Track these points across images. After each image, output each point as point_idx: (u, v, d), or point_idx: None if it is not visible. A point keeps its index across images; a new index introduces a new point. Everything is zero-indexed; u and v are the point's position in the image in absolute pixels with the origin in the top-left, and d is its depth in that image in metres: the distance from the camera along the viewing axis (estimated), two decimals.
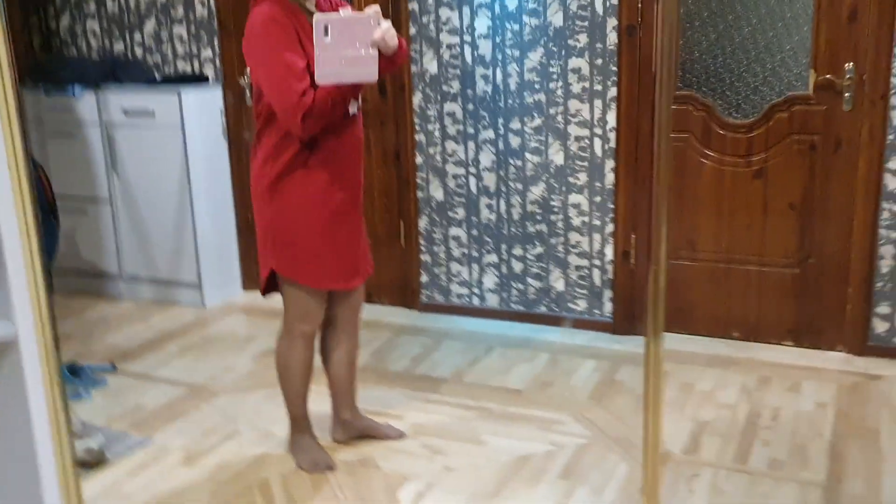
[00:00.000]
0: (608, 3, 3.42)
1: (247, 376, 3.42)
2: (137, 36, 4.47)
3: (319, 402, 2.83)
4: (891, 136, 3.15)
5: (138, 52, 4.49)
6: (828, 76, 3.19)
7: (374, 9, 2.26)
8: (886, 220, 3.23)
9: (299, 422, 2.72)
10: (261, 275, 2.59)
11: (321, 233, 2.48)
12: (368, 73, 2.26)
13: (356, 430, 2.84)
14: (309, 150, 2.41)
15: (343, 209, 2.50)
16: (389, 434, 2.85)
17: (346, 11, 2.24)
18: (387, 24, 2.27)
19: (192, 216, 4.19)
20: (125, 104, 4.19)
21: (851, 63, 3.14)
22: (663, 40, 1.42)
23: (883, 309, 3.30)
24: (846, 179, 3.24)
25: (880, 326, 3.32)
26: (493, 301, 3.95)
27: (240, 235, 4.42)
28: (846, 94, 3.17)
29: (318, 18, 2.19)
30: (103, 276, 4.49)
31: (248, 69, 2.37)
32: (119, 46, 4.53)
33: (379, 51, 2.27)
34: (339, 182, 2.47)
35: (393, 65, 2.40)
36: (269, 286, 2.62)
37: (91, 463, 2.73)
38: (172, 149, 4.14)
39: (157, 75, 4.46)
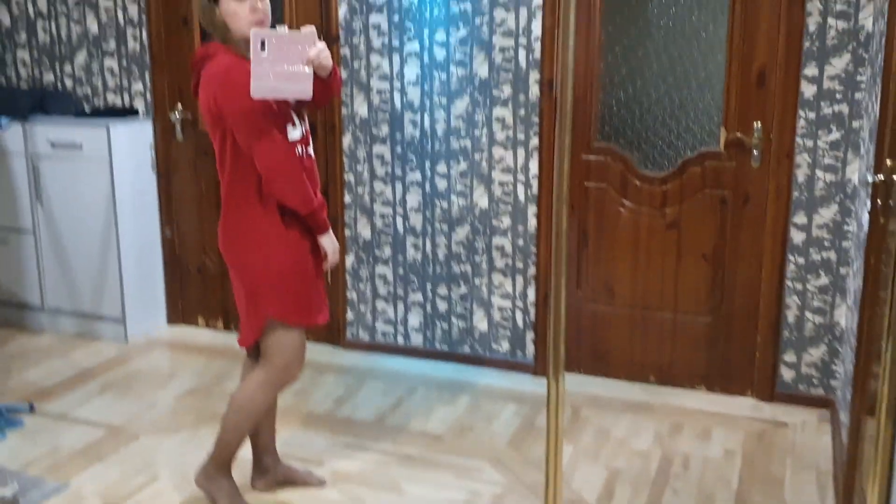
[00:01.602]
0: (531, 58, 3.53)
1: (168, 416, 3.40)
2: (68, 67, 4.43)
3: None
4: (795, 193, 3.31)
5: (68, 83, 4.45)
6: (738, 134, 3.34)
7: (311, 28, 2.34)
8: (792, 272, 3.38)
9: (228, 466, 2.70)
10: (253, 327, 2.56)
11: (313, 270, 2.57)
12: (303, 89, 2.32)
13: (277, 477, 2.85)
14: None
15: (315, 244, 2.58)
16: (310, 481, 2.87)
17: (282, 28, 2.31)
18: (322, 45, 2.34)
19: (117, 249, 4.15)
20: (52, 136, 4.14)
21: (759, 122, 3.30)
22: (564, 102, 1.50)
23: (789, 357, 3.45)
24: (755, 232, 3.39)
25: (787, 374, 3.47)
26: (417, 340, 4.00)
27: (166, 269, 4.39)
28: (755, 152, 3.32)
29: (255, 33, 2.27)
30: (24, 308, 4.42)
31: (225, 116, 2.40)
32: (49, 77, 4.48)
33: (314, 71, 2.34)
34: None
35: (328, 90, 2.47)
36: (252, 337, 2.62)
37: None
38: (99, 181, 4.11)
39: (86, 107, 4.42)
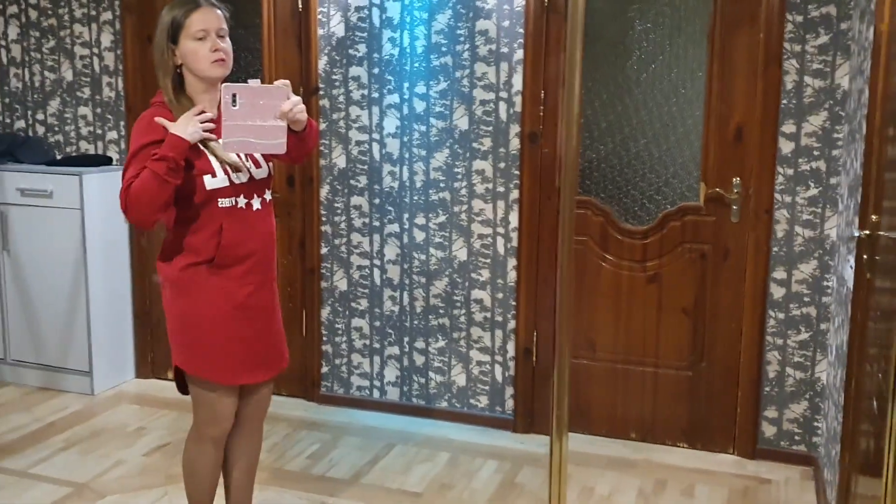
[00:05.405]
0: (511, 111, 3.54)
1: (136, 474, 3.27)
2: (40, 114, 4.37)
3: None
4: (775, 248, 3.33)
5: (40, 130, 4.39)
6: (717, 189, 3.36)
7: (284, 81, 2.28)
8: (772, 328, 3.38)
9: None
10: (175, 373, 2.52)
11: (225, 328, 2.42)
12: (276, 144, 2.24)
13: None
14: (214, 243, 2.37)
15: (248, 304, 2.45)
16: None
17: (254, 82, 2.23)
18: (297, 98, 2.27)
19: (86, 300, 4.05)
20: (22, 184, 4.06)
21: (738, 178, 3.32)
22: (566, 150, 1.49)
23: (771, 413, 3.43)
24: (734, 287, 3.39)
25: (769, 430, 3.44)
26: (393, 395, 3.92)
27: (136, 321, 4.29)
28: (734, 207, 3.34)
29: (226, 87, 2.19)
30: None
31: None
32: (20, 124, 4.42)
33: (288, 126, 2.26)
34: (245, 277, 2.43)
35: (303, 145, 2.39)
36: (184, 385, 2.54)
37: None
38: (70, 230, 4.02)
39: (58, 155, 4.35)
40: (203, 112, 2.34)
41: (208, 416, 2.50)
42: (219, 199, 2.36)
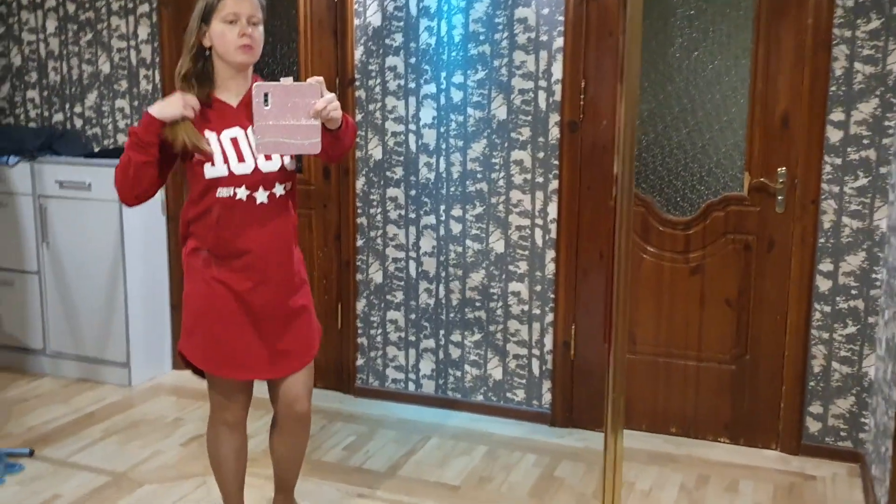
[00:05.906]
0: (551, 100, 3.49)
1: (174, 464, 3.28)
2: (78, 107, 4.40)
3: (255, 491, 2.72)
4: (821, 239, 3.24)
5: (78, 123, 4.41)
6: (761, 179, 3.29)
7: (317, 79, 2.22)
8: (818, 321, 3.30)
9: None
10: None
11: (221, 318, 2.38)
12: (310, 143, 2.17)
13: None
14: (213, 233, 2.35)
15: (248, 300, 2.38)
16: None
17: (287, 80, 2.17)
18: (330, 96, 2.20)
19: (124, 292, 4.06)
20: (60, 176, 4.09)
21: (784, 168, 3.25)
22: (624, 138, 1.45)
23: (816, 408, 3.34)
24: (780, 279, 3.32)
25: (813, 426, 3.35)
26: (429, 388, 3.89)
27: (173, 313, 4.30)
28: (779, 197, 3.26)
29: (258, 86, 2.14)
30: (27, 352, 4.31)
31: None
32: (59, 117, 4.45)
33: (323, 124, 2.20)
34: (244, 272, 2.37)
35: (339, 144, 2.31)
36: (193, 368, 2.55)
37: None
38: (108, 223, 4.04)
39: (95, 147, 4.38)
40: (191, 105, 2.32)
41: (218, 401, 2.52)
42: (218, 188, 2.31)
